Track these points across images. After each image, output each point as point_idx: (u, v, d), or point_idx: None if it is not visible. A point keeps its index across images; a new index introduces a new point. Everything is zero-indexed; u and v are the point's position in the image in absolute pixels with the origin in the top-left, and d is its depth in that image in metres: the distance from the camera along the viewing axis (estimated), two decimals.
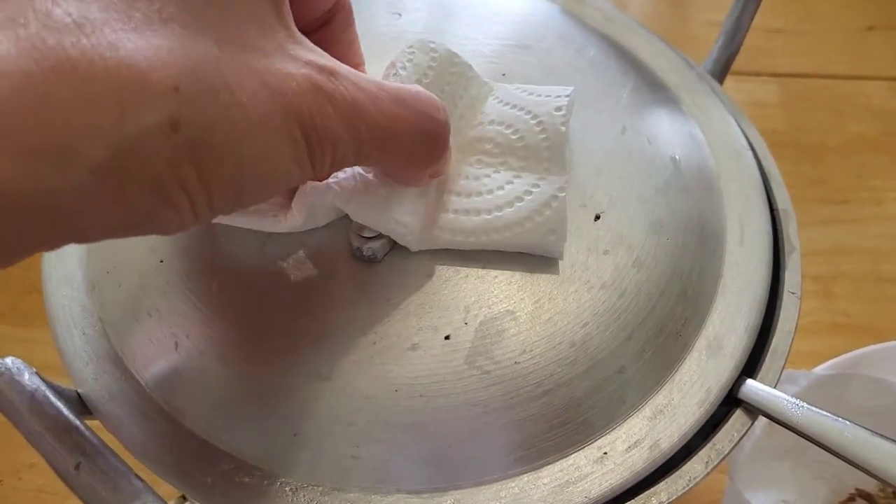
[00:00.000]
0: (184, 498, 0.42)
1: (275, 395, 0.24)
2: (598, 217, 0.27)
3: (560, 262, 0.26)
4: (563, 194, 0.25)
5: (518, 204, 0.25)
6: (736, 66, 0.62)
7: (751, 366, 0.30)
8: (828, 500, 0.41)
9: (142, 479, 0.22)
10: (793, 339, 0.30)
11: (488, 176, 0.26)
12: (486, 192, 0.25)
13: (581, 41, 0.33)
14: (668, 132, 0.30)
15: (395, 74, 0.26)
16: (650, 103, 0.32)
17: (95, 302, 0.27)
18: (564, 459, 0.25)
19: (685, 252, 0.27)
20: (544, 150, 0.26)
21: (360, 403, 0.24)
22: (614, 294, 0.26)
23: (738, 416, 0.27)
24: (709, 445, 0.27)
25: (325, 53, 0.20)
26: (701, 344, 0.27)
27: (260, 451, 0.24)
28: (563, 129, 0.26)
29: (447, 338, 0.25)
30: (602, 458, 0.25)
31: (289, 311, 0.25)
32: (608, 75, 0.32)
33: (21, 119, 0.15)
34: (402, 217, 0.24)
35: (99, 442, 0.23)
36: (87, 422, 0.24)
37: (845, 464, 0.42)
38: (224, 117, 0.17)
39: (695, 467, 0.26)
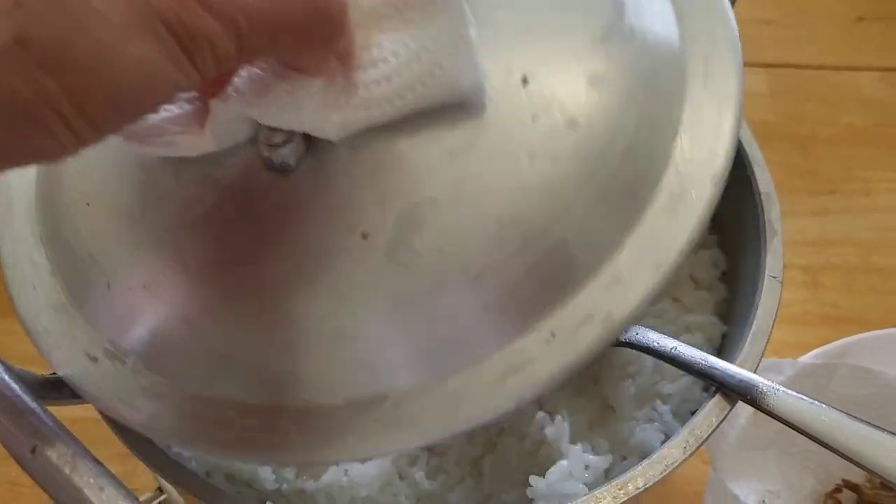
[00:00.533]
0: (160, 490, 0.42)
1: (206, 319, 0.24)
2: (525, 81, 0.23)
3: (482, 137, 0.23)
4: (468, 31, 0.23)
5: (425, 55, 0.23)
6: None
7: (731, 352, 0.30)
8: (814, 491, 0.40)
9: (100, 463, 0.22)
10: (774, 322, 0.29)
11: (391, 40, 0.23)
12: (391, 57, 0.23)
13: None
14: None
15: None
16: None
17: (43, 256, 0.28)
18: (507, 347, 0.22)
19: (630, 104, 0.24)
20: None
21: (284, 319, 0.23)
22: (546, 161, 0.23)
23: (716, 401, 0.27)
24: (687, 430, 0.26)
25: None
26: (658, 201, 0.24)
27: (199, 375, 0.24)
28: None
29: (364, 236, 0.23)
30: (550, 339, 0.22)
31: (210, 234, 0.24)
32: None
33: None
34: (313, 109, 0.22)
35: (57, 426, 0.22)
36: (50, 407, 0.24)
37: (832, 454, 0.41)
38: (79, 27, 0.16)
39: (672, 452, 0.26)
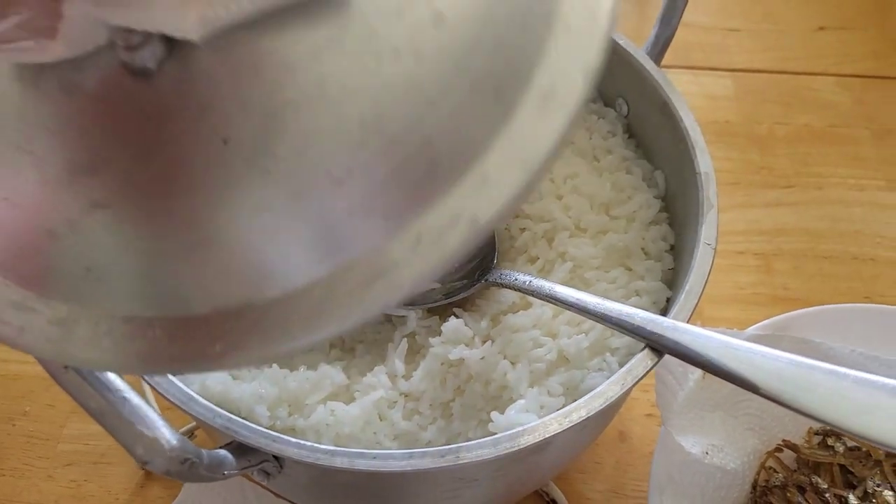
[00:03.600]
0: (192, 434, 0.46)
1: (68, 230, 0.23)
2: None
3: (345, 35, 0.22)
4: None
5: None
6: (693, 61, 0.67)
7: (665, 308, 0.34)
8: (756, 450, 0.44)
9: (123, 380, 0.26)
10: (705, 283, 0.34)
11: None
12: None
13: None
14: None
15: None
16: None
17: None
18: (374, 252, 0.22)
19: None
20: None
21: (146, 229, 0.23)
22: (410, 58, 0.22)
23: (646, 353, 0.31)
24: (625, 371, 0.31)
25: None
26: (528, 100, 0.23)
27: (66, 287, 0.24)
28: None
29: (225, 142, 0.22)
30: (416, 243, 0.22)
31: (71, 143, 0.23)
32: None
33: None
34: (168, 5, 0.21)
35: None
36: None
37: (774, 418, 0.45)
38: None
39: (612, 388, 0.30)
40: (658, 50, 0.40)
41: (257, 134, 0.22)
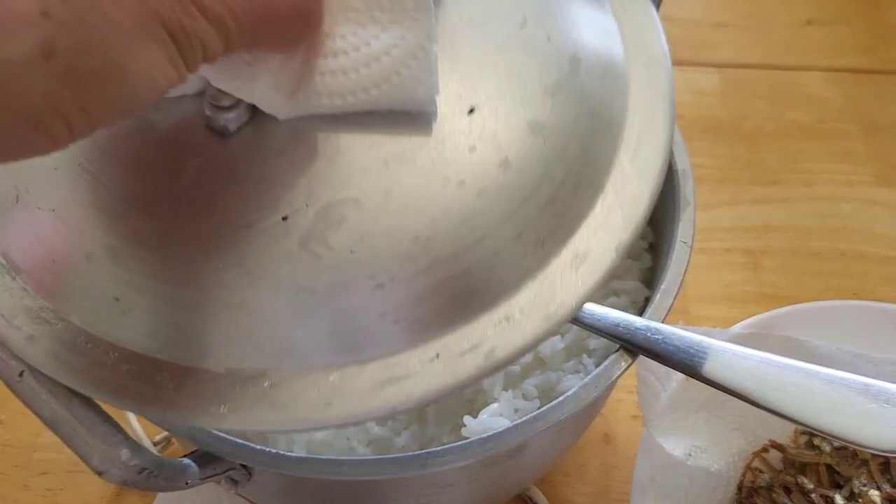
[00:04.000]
0: (168, 441, 0.45)
1: (108, 258, 0.24)
2: (471, 110, 0.25)
3: (419, 154, 0.24)
4: (431, 43, 0.24)
5: (385, 58, 0.24)
6: (680, 57, 0.66)
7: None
8: (741, 450, 0.43)
9: (76, 393, 0.25)
10: (682, 281, 0.33)
11: (354, 34, 0.24)
12: (352, 51, 0.24)
13: None
14: (574, 30, 0.28)
15: None
16: None
17: None
18: (392, 356, 0.23)
19: (563, 158, 0.25)
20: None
21: (185, 277, 0.23)
22: (472, 192, 0.24)
23: (620, 355, 0.30)
24: (598, 372, 0.30)
25: None
26: (564, 257, 0.25)
27: (88, 311, 0.24)
28: None
29: (284, 218, 0.23)
30: (434, 358, 0.23)
31: (133, 176, 0.24)
32: None
33: None
34: (268, 84, 0.23)
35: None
36: None
37: (760, 418, 0.45)
38: (98, 37, 0.16)
39: (586, 390, 0.30)
40: None
41: (316, 220, 0.23)
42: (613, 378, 0.29)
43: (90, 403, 0.25)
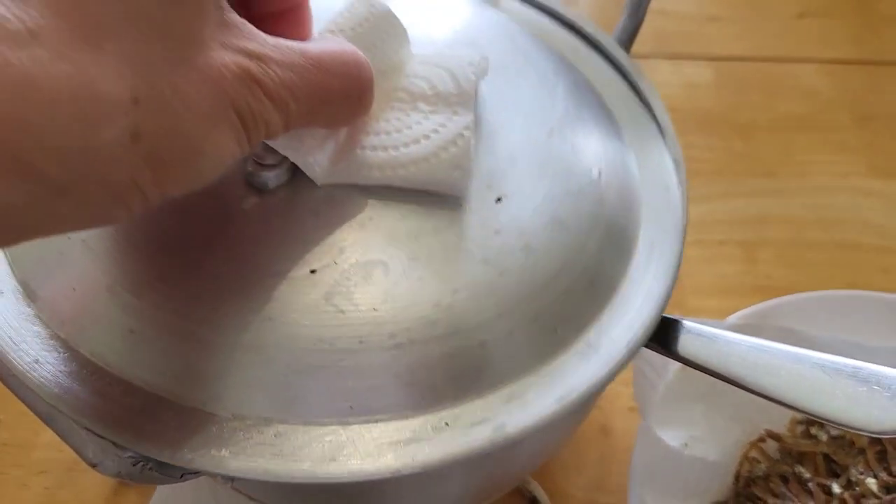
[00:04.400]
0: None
1: (130, 293, 0.25)
2: (499, 199, 0.27)
3: (447, 229, 0.26)
4: (469, 133, 0.26)
5: (424, 141, 0.26)
6: (673, 49, 0.66)
7: None
8: (738, 441, 0.44)
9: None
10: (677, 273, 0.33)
11: (398, 119, 0.27)
12: (394, 132, 0.26)
13: (538, 58, 0.33)
14: (596, 148, 0.31)
15: (332, 21, 0.27)
16: (587, 119, 0.32)
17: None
18: (402, 420, 0.24)
19: (582, 253, 0.28)
20: (454, 95, 0.27)
21: (206, 317, 0.24)
22: (495, 270, 0.26)
23: None
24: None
25: (257, 37, 0.20)
26: (576, 345, 0.27)
27: (100, 342, 0.25)
28: (473, 77, 0.27)
29: (313, 272, 0.25)
30: (442, 427, 0.24)
31: (167, 220, 0.26)
32: (551, 82, 0.32)
33: None
34: (311, 148, 0.25)
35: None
36: None
37: (757, 408, 0.45)
38: (178, 121, 0.17)
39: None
40: (627, 37, 0.39)
41: (343, 277, 0.24)
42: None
43: None
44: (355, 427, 0.24)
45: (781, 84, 0.63)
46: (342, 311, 0.24)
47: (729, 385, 0.43)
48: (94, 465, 0.24)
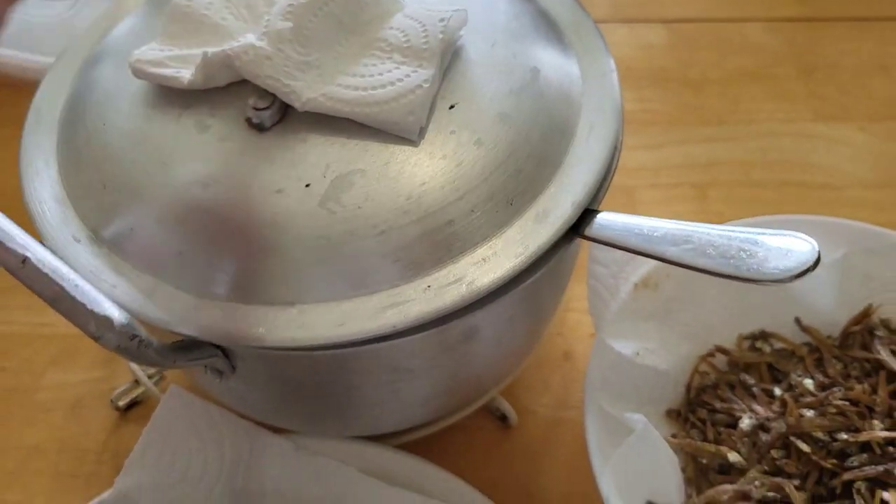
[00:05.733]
0: (136, 383, 0.49)
1: (173, 222, 0.31)
2: (452, 106, 0.33)
3: (411, 139, 0.31)
4: (427, 85, 0.31)
5: (390, 87, 0.31)
6: (629, 14, 0.70)
7: None
8: (689, 355, 0.47)
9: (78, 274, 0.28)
10: (615, 166, 0.36)
11: (374, 65, 0.32)
12: (368, 76, 0.32)
13: None
14: (535, 51, 0.36)
15: None
16: (527, 27, 0.37)
17: (54, 160, 0.36)
18: (393, 289, 0.30)
19: (527, 140, 0.33)
20: (424, 50, 0.32)
21: (231, 232, 0.31)
22: (452, 163, 0.31)
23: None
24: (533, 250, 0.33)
25: None
26: (530, 213, 0.32)
27: (157, 263, 0.32)
28: (441, 36, 0.32)
29: (308, 186, 0.31)
30: (425, 289, 0.30)
31: (191, 163, 0.32)
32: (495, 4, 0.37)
33: None
34: (292, 81, 0.31)
35: (40, 246, 0.29)
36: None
37: (706, 326, 0.48)
38: None
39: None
40: None
41: (332, 186, 0.31)
42: (544, 250, 0.32)
43: (83, 281, 0.28)
44: (357, 300, 0.30)
45: (730, 42, 0.67)
46: (334, 213, 0.30)
47: (679, 305, 0.47)
48: (97, 339, 0.27)
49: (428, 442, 0.44)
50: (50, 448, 0.47)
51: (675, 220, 0.32)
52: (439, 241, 0.31)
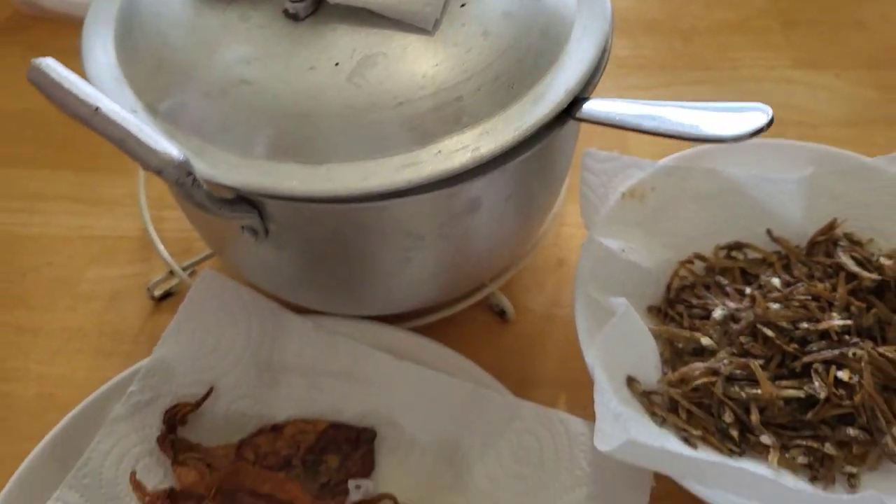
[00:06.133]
0: (171, 274, 0.53)
1: (217, 91, 0.36)
2: (463, 5, 0.38)
3: (428, 28, 0.36)
4: None
5: None
6: None
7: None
8: (670, 260, 0.52)
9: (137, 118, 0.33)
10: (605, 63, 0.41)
11: None
12: None
13: None
14: None
15: None
16: None
17: (112, 45, 0.41)
18: (409, 153, 0.35)
19: (528, 34, 0.38)
20: None
21: (269, 97, 0.36)
22: (462, 49, 0.37)
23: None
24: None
25: None
26: (528, 97, 0.37)
27: (203, 127, 0.37)
28: None
29: (337, 64, 0.36)
30: (436, 154, 0.35)
31: (237, 48, 0.37)
32: None
33: None
34: None
35: (108, 99, 0.33)
36: None
37: (688, 238, 0.53)
38: None
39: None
40: None
41: (358, 65, 0.36)
42: (541, 124, 0.37)
43: (147, 126, 0.33)
44: (378, 160, 0.35)
45: None
46: (359, 86, 0.35)
47: (663, 216, 0.52)
48: (158, 172, 0.32)
49: (433, 331, 0.48)
50: (91, 331, 0.52)
51: (650, 101, 0.37)
52: (449, 114, 0.36)
